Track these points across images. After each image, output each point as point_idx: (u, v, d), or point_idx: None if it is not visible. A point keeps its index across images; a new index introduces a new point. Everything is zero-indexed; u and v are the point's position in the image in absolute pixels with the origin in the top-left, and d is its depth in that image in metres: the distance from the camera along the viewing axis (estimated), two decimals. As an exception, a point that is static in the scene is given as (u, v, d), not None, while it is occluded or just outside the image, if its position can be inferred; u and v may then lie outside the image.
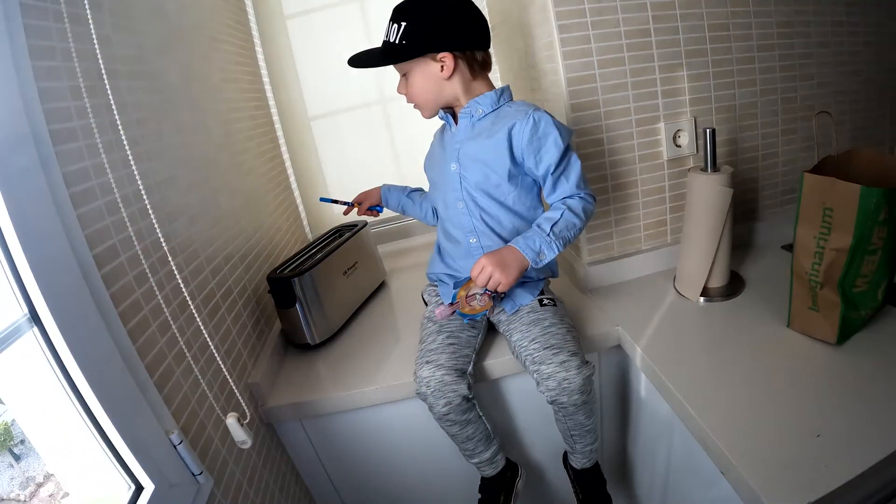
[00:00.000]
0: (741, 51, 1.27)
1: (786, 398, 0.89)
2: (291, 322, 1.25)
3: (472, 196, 1.10)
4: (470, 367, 1.06)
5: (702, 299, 1.21)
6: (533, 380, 1.02)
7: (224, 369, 0.97)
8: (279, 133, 1.76)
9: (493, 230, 1.10)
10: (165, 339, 0.89)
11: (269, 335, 1.30)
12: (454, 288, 1.10)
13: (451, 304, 1.04)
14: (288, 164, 1.78)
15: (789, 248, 1.36)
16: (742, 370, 0.98)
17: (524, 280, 1.13)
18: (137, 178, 0.84)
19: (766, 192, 1.40)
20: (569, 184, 1.05)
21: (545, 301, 1.12)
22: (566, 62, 1.17)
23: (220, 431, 0.98)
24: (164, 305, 0.89)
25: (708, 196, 1.15)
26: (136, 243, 0.86)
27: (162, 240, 0.87)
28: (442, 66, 1.05)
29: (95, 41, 0.84)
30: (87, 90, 0.81)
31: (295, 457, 1.23)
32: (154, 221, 0.86)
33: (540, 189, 1.11)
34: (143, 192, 0.85)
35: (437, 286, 1.24)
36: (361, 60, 1.09)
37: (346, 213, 1.38)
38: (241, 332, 1.16)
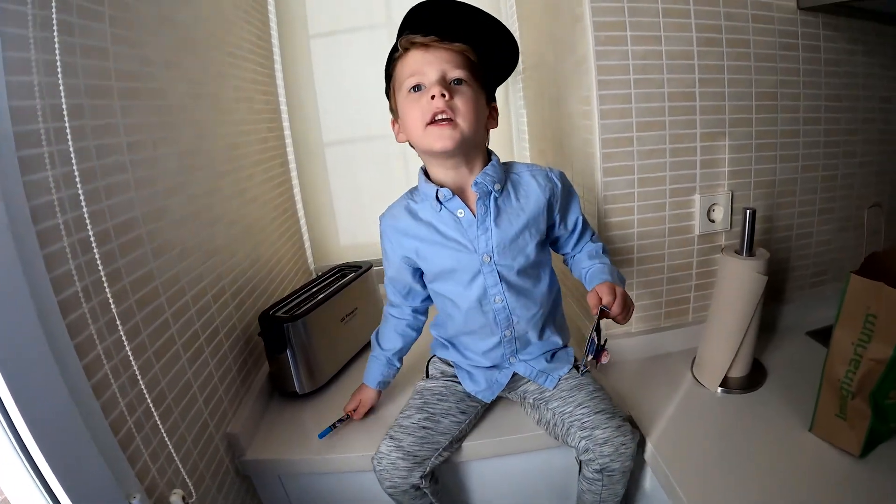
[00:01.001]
0: (787, 122, 1.13)
1: None
2: (280, 368, 1.10)
3: (511, 285, 0.92)
4: (434, 457, 0.92)
5: (720, 389, 1.06)
6: (573, 448, 0.91)
7: (193, 420, 0.82)
8: (290, 157, 1.60)
9: (530, 314, 0.95)
10: (135, 392, 0.74)
11: (256, 378, 1.14)
12: (590, 348, 0.85)
13: (595, 358, 0.84)
14: (297, 189, 1.63)
15: (815, 334, 1.22)
16: (757, 475, 0.87)
17: (553, 350, 1.00)
18: (108, 215, 0.71)
19: (796, 274, 1.24)
20: (588, 230, 0.98)
21: (583, 369, 0.96)
22: (603, 121, 1.02)
23: (191, 488, 0.83)
24: (132, 358, 0.74)
25: (740, 282, 1.00)
26: (106, 287, 0.70)
27: (127, 284, 0.73)
28: (489, 113, 0.91)
29: (79, 54, 0.70)
30: (69, 109, 0.66)
31: (271, 515, 1.07)
32: (120, 261, 0.71)
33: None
34: (111, 230, 0.71)
35: (452, 366, 1.05)
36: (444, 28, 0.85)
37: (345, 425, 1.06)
38: (224, 376, 1.01)
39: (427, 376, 1.08)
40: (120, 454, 0.70)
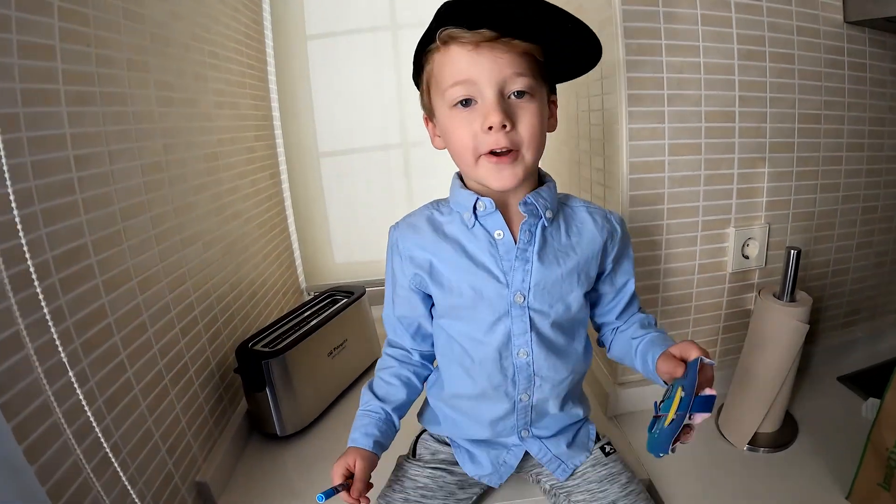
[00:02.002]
0: (829, 148, 0.96)
1: None
2: (259, 407, 0.93)
3: (542, 338, 0.68)
4: None
5: (747, 447, 0.89)
6: None
7: (156, 470, 0.64)
8: (282, 168, 1.41)
9: (558, 378, 0.71)
10: (85, 445, 0.60)
11: (232, 417, 0.97)
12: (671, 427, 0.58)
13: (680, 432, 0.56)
14: (288, 203, 1.43)
15: (847, 380, 1.05)
16: None
17: (574, 428, 0.78)
18: (47, 244, 0.56)
19: (829, 314, 1.08)
20: (637, 300, 0.76)
21: (608, 449, 0.78)
22: (632, 142, 0.84)
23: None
24: (66, 419, 0.57)
25: (779, 330, 0.83)
26: (51, 325, 0.56)
27: (71, 325, 0.56)
28: (550, 114, 0.66)
29: (17, 54, 0.55)
30: None
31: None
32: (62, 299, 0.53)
33: None
34: (51, 262, 0.56)
35: (447, 443, 0.81)
36: (508, 19, 0.57)
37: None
38: (193, 419, 0.84)
39: (413, 456, 0.81)
40: None
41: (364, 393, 0.76)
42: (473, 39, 0.57)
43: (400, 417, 0.75)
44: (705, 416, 0.55)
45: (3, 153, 0.52)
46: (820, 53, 0.91)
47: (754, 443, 0.89)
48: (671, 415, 0.57)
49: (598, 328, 0.80)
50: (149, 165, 0.77)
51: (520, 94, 0.59)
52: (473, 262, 0.66)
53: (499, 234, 0.65)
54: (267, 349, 0.91)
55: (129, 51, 0.75)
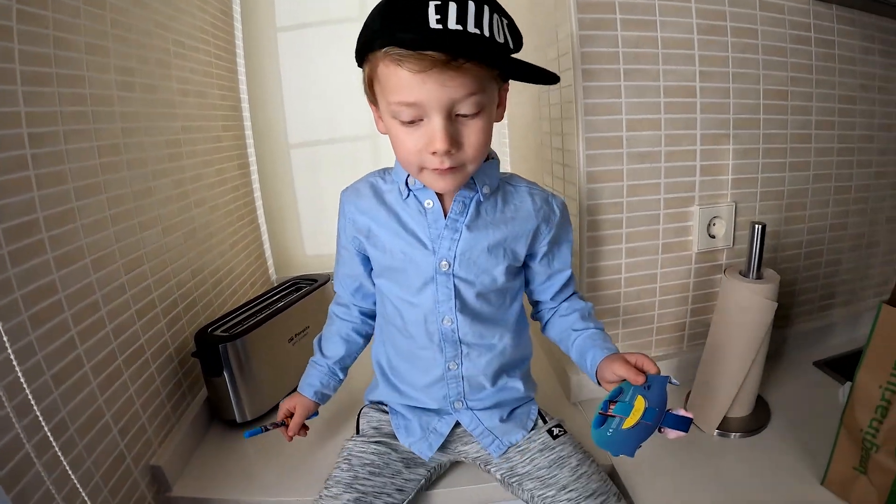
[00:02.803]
0: (797, 126, 1.00)
1: None
2: (217, 393, 0.97)
3: (466, 307, 0.75)
4: None
5: (717, 432, 0.91)
6: None
7: (106, 452, 0.70)
8: (252, 159, 1.46)
9: (485, 350, 0.78)
10: (27, 421, 0.62)
11: (192, 403, 1.01)
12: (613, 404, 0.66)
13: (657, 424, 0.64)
14: (258, 194, 1.49)
15: (823, 364, 1.08)
16: None
17: (513, 405, 0.83)
18: None
19: (803, 297, 1.11)
20: (573, 284, 0.82)
21: (556, 431, 0.82)
22: (587, 118, 0.88)
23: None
24: (6, 391, 0.60)
25: (746, 309, 0.86)
26: None
27: (19, 297, 0.61)
28: (497, 105, 0.68)
29: None
30: None
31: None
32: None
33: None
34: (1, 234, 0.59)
35: (387, 412, 0.88)
36: (458, 43, 0.55)
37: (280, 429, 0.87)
38: (148, 402, 0.87)
39: (357, 432, 0.88)
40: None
41: (314, 344, 0.91)
42: (420, 66, 0.56)
43: (343, 369, 0.89)
44: (681, 434, 0.62)
45: None
46: (785, 29, 0.96)
47: (725, 427, 0.92)
48: (633, 420, 0.63)
49: (532, 303, 0.87)
50: (106, 147, 0.82)
51: (467, 114, 0.61)
52: (405, 229, 0.73)
53: (428, 204, 0.72)
54: (226, 334, 0.95)
55: (88, 35, 0.80)
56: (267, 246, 1.52)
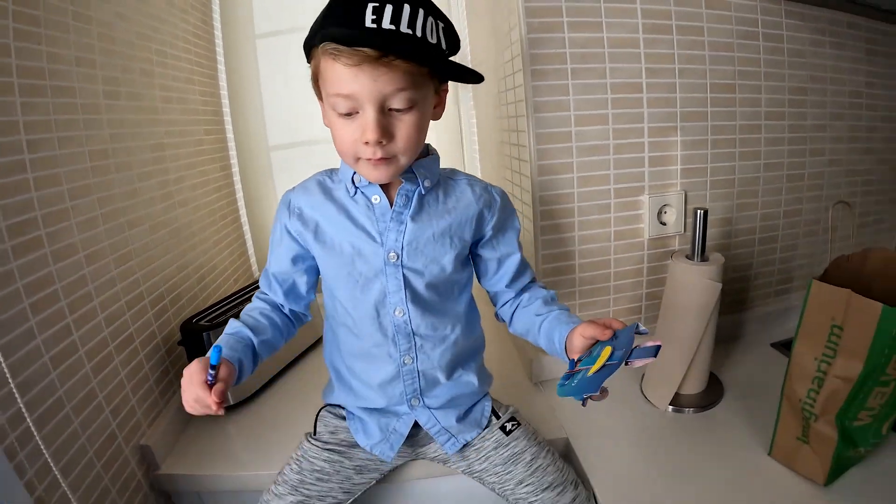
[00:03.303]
0: (746, 117, 1.12)
1: None
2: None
3: (417, 297, 0.82)
4: None
5: (670, 408, 1.03)
6: None
7: (98, 430, 0.82)
8: (234, 161, 1.61)
9: (438, 342, 0.85)
10: (28, 398, 0.74)
11: (178, 390, 1.11)
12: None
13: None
14: (240, 195, 1.63)
15: (780, 346, 1.19)
16: None
17: (468, 403, 0.92)
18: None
19: (760, 281, 1.22)
20: (529, 271, 0.89)
21: (509, 427, 0.90)
22: (537, 115, 1.01)
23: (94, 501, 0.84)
24: (10, 370, 0.72)
25: (692, 290, 0.98)
26: None
27: (21, 287, 0.73)
28: (436, 104, 0.76)
29: None
30: None
31: (191, 535, 1.06)
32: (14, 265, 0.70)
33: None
34: (4, 230, 0.72)
35: (344, 417, 0.94)
36: (388, 40, 0.64)
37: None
38: (138, 386, 1.00)
39: (314, 434, 0.94)
40: (7, 467, 0.69)
41: (230, 322, 0.84)
42: (353, 60, 0.64)
43: (261, 357, 0.82)
44: (648, 360, 0.66)
45: None
46: (732, 25, 1.07)
47: (678, 403, 1.03)
48: (598, 366, 0.67)
49: (494, 300, 0.94)
50: (95, 152, 0.95)
51: (399, 108, 0.69)
52: (353, 224, 0.80)
53: (375, 199, 0.80)
54: (210, 324, 1.08)
55: (76, 49, 0.92)
56: (250, 244, 1.66)
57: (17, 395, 0.73)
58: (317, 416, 0.98)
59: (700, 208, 0.96)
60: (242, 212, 1.63)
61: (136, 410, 0.98)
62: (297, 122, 1.61)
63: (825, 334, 0.80)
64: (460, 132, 1.71)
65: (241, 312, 0.88)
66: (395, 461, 0.92)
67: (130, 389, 0.97)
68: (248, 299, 1.19)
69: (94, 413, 0.87)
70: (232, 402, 1.10)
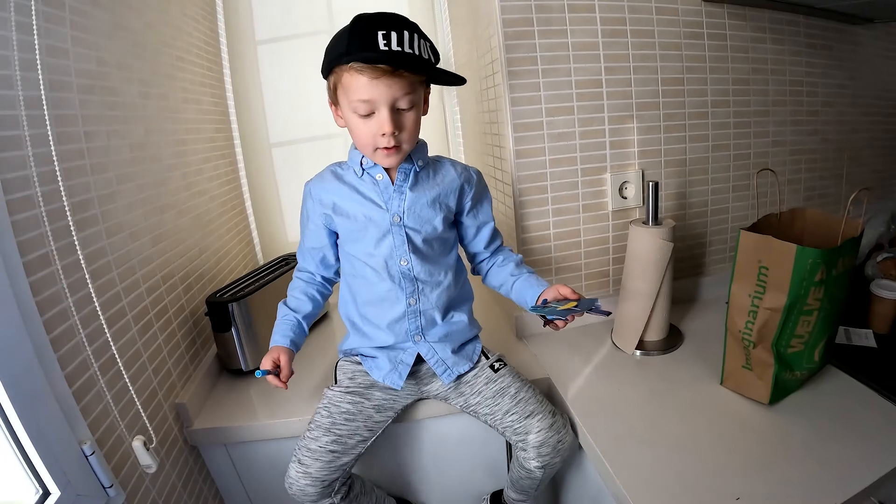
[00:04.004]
0: (694, 106, 1.40)
1: (711, 458, 0.96)
2: (226, 347, 1.33)
3: (417, 249, 1.11)
4: (341, 477, 1.09)
5: (638, 353, 1.30)
6: (515, 446, 1.11)
7: (143, 387, 1.06)
8: (239, 157, 1.87)
9: (434, 280, 1.14)
10: (90, 351, 0.96)
11: (204, 357, 1.37)
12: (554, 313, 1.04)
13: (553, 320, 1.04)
14: (245, 187, 1.89)
15: (735, 304, 1.46)
16: (669, 427, 1.05)
17: (461, 340, 1.20)
18: (63, 193, 0.93)
19: (715, 248, 1.51)
20: (500, 237, 1.21)
21: (497, 365, 1.18)
22: (514, 108, 1.28)
23: (151, 434, 1.06)
24: (86, 320, 0.96)
25: (648, 249, 1.25)
26: (56, 257, 0.92)
27: (81, 256, 0.96)
28: (424, 102, 1.07)
29: (38, 52, 0.91)
30: (25, 101, 0.88)
31: (219, 482, 1.30)
32: (75, 238, 0.95)
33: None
34: (66, 208, 0.96)
35: (360, 362, 1.22)
36: (397, 59, 0.94)
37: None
38: (173, 351, 1.23)
39: (336, 382, 1.22)
40: (73, 404, 0.90)
41: (280, 307, 1.21)
42: (374, 74, 0.94)
43: (308, 324, 1.20)
44: (601, 316, 1.01)
45: (53, 121, 0.94)
46: (679, 28, 1.35)
47: (643, 349, 1.29)
48: (568, 306, 1.02)
49: (472, 258, 1.25)
50: (134, 144, 1.18)
51: (404, 108, 1.00)
52: (364, 197, 1.11)
53: (379, 177, 1.10)
54: (231, 297, 1.33)
55: (117, 54, 1.16)
56: (255, 232, 1.93)
57: (85, 344, 0.95)
58: (336, 367, 1.25)
59: (651, 181, 1.23)
60: (248, 203, 1.90)
61: (172, 372, 1.21)
62: (296, 121, 1.89)
63: (755, 274, 1.03)
64: (446, 125, 2.00)
65: (287, 293, 1.23)
66: (405, 398, 1.18)
67: (167, 353, 1.20)
68: (262, 277, 1.45)
69: (140, 371, 1.09)
70: (252, 367, 1.35)
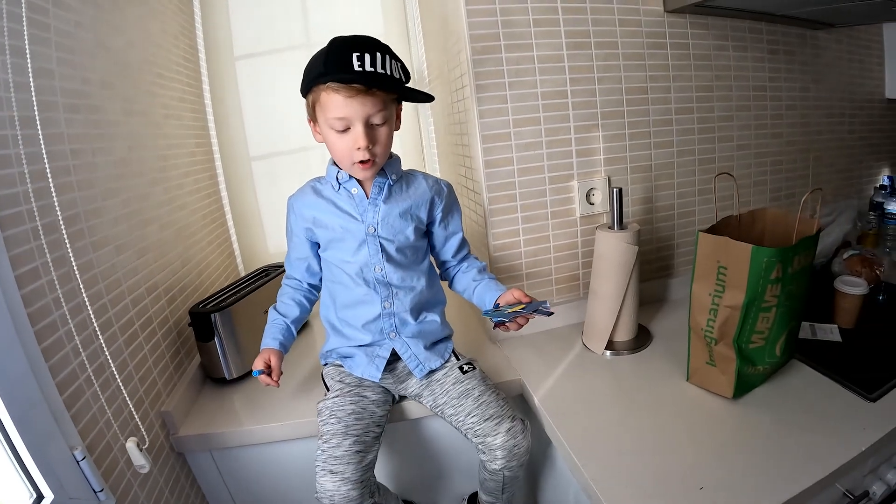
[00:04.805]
0: (658, 113, 1.51)
1: (676, 451, 1.04)
2: (209, 356, 1.43)
3: (391, 258, 1.23)
4: (372, 476, 1.16)
5: (608, 353, 1.39)
6: (476, 449, 1.20)
7: (130, 395, 1.15)
8: (219, 170, 1.98)
9: (408, 291, 1.26)
10: (78, 361, 1.04)
11: (188, 367, 1.47)
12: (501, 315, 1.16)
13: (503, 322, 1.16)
14: (226, 200, 2.00)
15: (702, 304, 1.56)
16: (637, 423, 1.13)
17: (433, 339, 1.32)
18: (57, 208, 1.03)
19: (682, 250, 1.62)
20: (468, 246, 1.34)
21: (465, 368, 1.28)
22: (482, 120, 1.39)
23: (128, 455, 1.12)
24: (75, 331, 1.05)
25: (614, 253, 1.34)
26: (51, 269, 1.01)
27: (75, 267, 1.05)
28: (396, 117, 1.20)
29: (31, 75, 1.00)
30: (20, 120, 0.96)
31: (204, 487, 1.38)
32: (69, 250, 1.05)
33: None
34: (61, 222, 1.05)
35: (341, 365, 1.33)
36: (371, 79, 1.06)
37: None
38: (158, 361, 1.32)
39: (328, 390, 1.30)
40: (64, 411, 0.98)
41: (270, 312, 1.34)
42: (350, 93, 1.06)
43: (296, 328, 1.34)
44: (543, 316, 1.12)
45: (42, 140, 1.02)
46: (642, 38, 1.46)
47: (613, 349, 1.39)
48: (515, 309, 1.14)
49: (440, 266, 1.38)
50: (118, 160, 1.28)
51: (378, 123, 1.12)
52: (340, 210, 1.23)
53: (354, 191, 1.22)
54: (213, 307, 1.42)
55: (100, 73, 1.25)
56: (235, 244, 2.03)
57: (72, 357, 1.03)
58: (322, 378, 1.36)
59: (615, 187, 1.33)
60: (228, 216, 2.00)
61: (157, 381, 1.30)
62: (275, 135, 2.00)
63: (714, 273, 1.12)
64: (421, 139, 2.12)
65: (277, 299, 1.37)
66: (386, 391, 1.28)
67: (152, 362, 1.29)
68: (243, 287, 1.55)
69: (127, 379, 1.17)
70: (235, 376, 1.46)
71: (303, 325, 1.79)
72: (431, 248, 1.35)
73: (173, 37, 1.70)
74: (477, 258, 1.37)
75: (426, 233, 1.32)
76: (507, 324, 1.15)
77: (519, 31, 1.38)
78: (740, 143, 1.62)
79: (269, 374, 1.23)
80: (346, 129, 1.12)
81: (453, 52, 1.49)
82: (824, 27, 1.76)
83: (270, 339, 1.29)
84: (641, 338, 1.43)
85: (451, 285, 1.39)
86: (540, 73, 1.40)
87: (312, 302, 1.38)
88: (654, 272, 1.61)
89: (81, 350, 1.06)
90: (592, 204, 1.49)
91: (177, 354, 1.43)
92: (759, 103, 1.64)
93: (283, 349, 1.30)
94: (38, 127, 1.02)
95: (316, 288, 1.38)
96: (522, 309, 1.13)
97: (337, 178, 1.23)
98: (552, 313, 1.13)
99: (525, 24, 1.38)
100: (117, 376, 1.14)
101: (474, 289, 1.30)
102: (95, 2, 1.28)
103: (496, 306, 1.19)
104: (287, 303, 1.34)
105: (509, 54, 1.38)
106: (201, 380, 1.49)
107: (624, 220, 1.37)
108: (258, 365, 1.22)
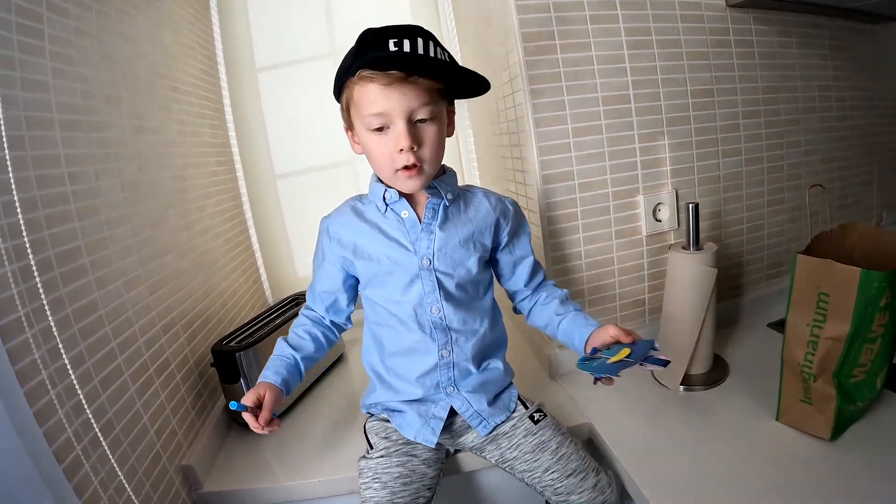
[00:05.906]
0: (725, 118, 1.25)
1: (772, 501, 0.83)
2: (235, 398, 1.15)
3: (450, 296, 0.94)
4: None
5: (682, 388, 1.13)
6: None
7: (145, 451, 0.89)
8: (243, 191, 1.71)
9: (469, 329, 0.97)
10: (80, 421, 0.80)
11: (212, 411, 1.20)
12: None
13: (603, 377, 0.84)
14: (251, 223, 1.73)
15: (776, 325, 1.31)
16: (725, 469, 0.91)
17: (496, 390, 1.02)
18: (49, 243, 0.78)
19: (752, 267, 1.35)
20: (542, 271, 1.03)
21: (537, 417, 0.99)
22: (538, 129, 1.13)
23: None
24: (78, 386, 0.80)
25: (690, 277, 1.09)
26: (48, 314, 0.77)
27: (70, 313, 0.81)
28: (448, 122, 0.91)
29: (20, 87, 0.79)
30: (7, 140, 0.74)
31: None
32: (63, 292, 0.79)
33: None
34: (53, 260, 0.80)
35: (388, 420, 1.03)
36: (410, 62, 0.80)
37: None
38: (177, 408, 1.07)
39: (371, 447, 1.01)
40: (65, 483, 0.75)
41: (279, 343, 1.02)
42: (386, 81, 0.79)
43: (306, 368, 1.01)
44: (658, 368, 0.82)
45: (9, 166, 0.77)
46: (706, 36, 1.21)
47: (687, 383, 1.13)
48: (618, 357, 0.84)
49: (512, 297, 1.08)
50: (127, 183, 1.03)
51: (423, 120, 0.84)
52: (387, 237, 0.93)
53: (405, 214, 0.93)
54: (238, 345, 1.15)
55: (105, 86, 1.01)
56: (262, 270, 1.75)
57: (72, 418, 0.79)
58: (365, 432, 1.04)
59: (691, 202, 1.08)
60: (254, 239, 1.73)
61: (177, 431, 1.05)
62: (302, 151, 1.73)
63: (814, 301, 0.89)
64: (459, 150, 1.85)
65: (290, 329, 1.05)
66: (439, 450, 0.99)
67: (170, 411, 1.04)
68: (271, 320, 1.30)
69: (141, 434, 0.93)
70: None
71: (338, 357, 1.52)
72: (498, 278, 1.05)
73: (189, 48, 1.44)
74: (555, 284, 1.07)
75: (489, 261, 1.02)
76: (604, 379, 0.85)
77: (575, 28, 1.12)
78: (808, 149, 1.35)
79: (255, 414, 0.88)
80: (385, 128, 0.84)
81: (499, 54, 1.22)
82: (885, 21, 1.49)
83: (272, 372, 0.96)
84: (718, 370, 1.16)
85: (527, 319, 1.08)
86: (600, 74, 1.14)
87: (332, 343, 1.07)
88: (722, 293, 1.33)
89: (86, 406, 0.81)
90: (659, 220, 1.22)
91: (199, 398, 1.16)
92: (825, 104, 1.37)
93: (285, 388, 0.95)
94: (27, 147, 0.78)
95: (339, 328, 1.07)
96: (628, 356, 0.83)
97: (384, 198, 0.93)
98: (668, 362, 0.83)
99: (581, 21, 1.12)
100: (123, 437, 0.89)
101: (558, 324, 0.99)
102: (99, 8, 1.02)
103: (593, 350, 0.90)
104: (301, 335, 1.02)
105: (566, 55, 1.12)
106: (226, 425, 1.22)
107: (700, 239, 1.10)
108: (247, 400, 0.88)
